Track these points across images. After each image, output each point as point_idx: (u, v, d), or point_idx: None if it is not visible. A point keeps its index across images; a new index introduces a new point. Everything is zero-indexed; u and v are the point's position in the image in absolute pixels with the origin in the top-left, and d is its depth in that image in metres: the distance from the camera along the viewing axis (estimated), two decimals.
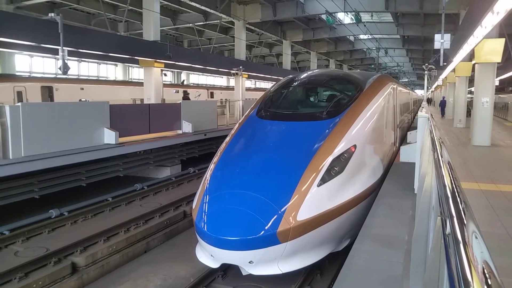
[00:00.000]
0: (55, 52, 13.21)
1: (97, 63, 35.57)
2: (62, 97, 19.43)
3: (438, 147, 2.95)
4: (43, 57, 29.56)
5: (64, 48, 12.45)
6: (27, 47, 14.34)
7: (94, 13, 25.96)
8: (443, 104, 28.60)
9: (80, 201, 9.81)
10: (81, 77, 32.63)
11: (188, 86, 34.24)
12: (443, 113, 28.01)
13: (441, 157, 2.44)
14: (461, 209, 1.24)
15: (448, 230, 1.13)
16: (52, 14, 12.30)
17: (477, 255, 0.90)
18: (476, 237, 1.02)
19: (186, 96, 24.49)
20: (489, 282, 0.77)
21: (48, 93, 19.33)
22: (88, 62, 34.21)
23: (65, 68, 12.78)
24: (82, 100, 19.90)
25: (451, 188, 1.52)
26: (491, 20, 7.88)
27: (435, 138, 3.74)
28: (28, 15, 18.08)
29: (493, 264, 0.87)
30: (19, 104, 9.14)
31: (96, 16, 26.18)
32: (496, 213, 5.56)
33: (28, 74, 28.26)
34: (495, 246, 4.32)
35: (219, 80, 53.64)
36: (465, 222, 1.12)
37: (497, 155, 10.97)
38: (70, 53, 13.57)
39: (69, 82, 21.62)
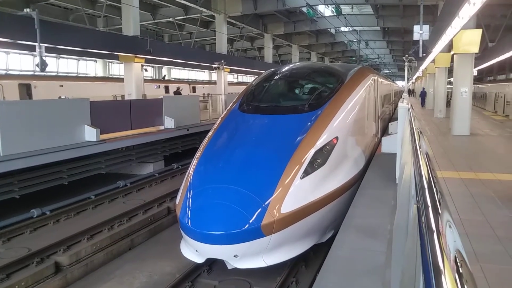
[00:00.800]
0: (32, 48, 12.94)
1: (76, 59, 34.98)
2: (40, 94, 19.08)
3: (416, 138, 2.99)
4: (20, 54, 28.94)
5: (41, 44, 12.20)
6: (3, 43, 14.01)
7: (71, 8, 25.47)
8: (423, 94, 29.73)
9: (62, 200, 9.68)
10: (60, 74, 32.07)
11: (169, 81, 33.96)
12: (423, 103, 29.04)
13: (419, 147, 2.48)
14: (437, 199, 1.27)
15: (423, 219, 1.15)
16: (28, 10, 12.02)
17: (450, 244, 0.92)
18: (450, 226, 1.05)
19: (178, 92, 24.73)
20: (461, 271, 0.79)
21: (26, 90, 18.96)
22: (67, 58, 33.61)
23: (43, 65, 12.54)
24: (62, 97, 19.59)
25: (427, 178, 1.55)
26: (468, 10, 8.01)
27: (414, 128, 3.79)
28: (2, 10, 17.68)
29: (465, 253, 0.89)
30: None
31: (74, 11, 25.70)
32: (475, 201, 5.68)
33: (5, 71, 27.66)
34: (474, 233, 4.41)
35: (201, 75, 53.34)
36: (440, 211, 1.14)
37: (476, 144, 11.19)
38: (48, 50, 13.31)
39: (47, 79, 21.25)
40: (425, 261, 0.89)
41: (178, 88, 27.20)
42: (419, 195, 1.45)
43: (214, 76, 35.87)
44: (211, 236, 4.97)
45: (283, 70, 8.75)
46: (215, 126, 7.11)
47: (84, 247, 7.21)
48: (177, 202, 5.84)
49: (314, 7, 23.93)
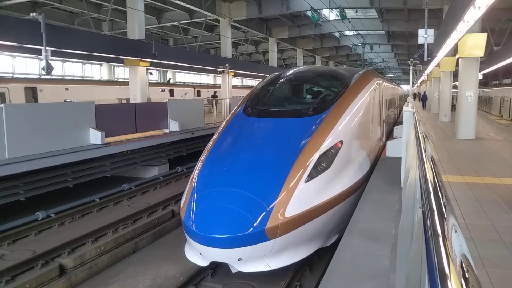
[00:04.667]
0: (38, 52, 13.03)
1: (82, 63, 35.17)
2: (46, 97, 19.19)
3: (421, 142, 2.98)
4: (26, 57, 29.12)
5: (47, 48, 12.29)
6: (9, 47, 14.12)
7: (77, 13, 25.63)
8: (424, 98, 34.34)
9: (67, 203, 9.72)
10: (66, 77, 32.24)
11: (174, 84, 34.07)
12: (424, 105, 33.55)
13: (424, 151, 2.47)
14: (442, 204, 1.26)
15: (428, 223, 1.15)
16: (34, 14, 12.10)
17: (456, 249, 0.92)
18: (456, 231, 1.04)
19: (214, 95, 25.65)
20: (467, 276, 0.78)
21: (32, 94, 19.07)
22: (72, 62, 33.79)
23: (48, 68, 12.62)
24: (67, 100, 19.69)
25: (432, 182, 1.55)
26: (473, 14, 7.98)
27: (419, 132, 3.78)
28: (9, 14, 17.81)
29: (471, 258, 0.88)
30: (2, 105, 9.00)
31: (80, 15, 25.85)
32: (480, 205, 5.65)
33: (11, 75, 27.83)
34: (479, 238, 4.39)
35: (206, 78, 53.48)
36: (445, 216, 1.14)
37: (481, 148, 11.13)
38: (54, 53, 13.39)
39: (53, 82, 21.36)
40: (431, 266, 0.89)
41: (215, 92, 27.91)
42: (424, 199, 1.45)
43: (219, 79, 35.99)
44: (215, 239, 4.96)
45: (288, 73, 8.75)
46: (220, 129, 7.11)
47: (89, 250, 7.22)
48: (181, 205, 5.84)
49: (318, 11, 23.92)
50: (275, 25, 31.96)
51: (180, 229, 6.59)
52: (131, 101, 17.58)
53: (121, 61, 18.58)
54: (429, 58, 15.61)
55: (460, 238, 0.99)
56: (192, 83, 44.81)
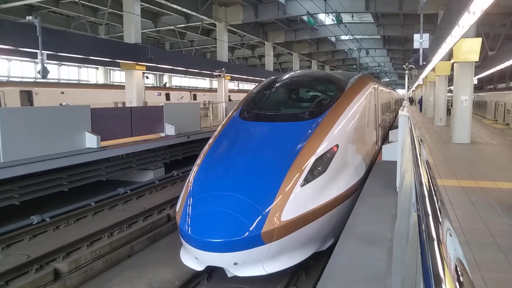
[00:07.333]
0: (34, 55, 12.98)
1: (78, 66, 35.09)
2: (42, 101, 19.12)
3: (417, 146, 2.99)
4: (21, 61, 29.04)
5: (43, 51, 12.24)
6: (5, 50, 14.06)
7: (73, 16, 25.59)
8: (421, 101, 36.06)
9: (62, 207, 9.67)
10: (62, 81, 32.14)
11: (170, 88, 34.06)
12: (421, 108, 34.33)
13: (419, 155, 2.48)
14: (437, 208, 1.27)
15: (423, 227, 1.15)
16: (30, 17, 12.07)
17: (451, 253, 0.92)
18: (451, 235, 1.05)
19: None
20: (461, 279, 0.79)
21: (27, 97, 19.00)
22: (68, 65, 33.70)
23: (44, 72, 12.56)
24: (63, 104, 19.63)
25: (428, 186, 1.55)
26: (468, 19, 8.03)
27: (414, 136, 3.79)
28: (5, 18, 17.77)
29: (466, 262, 0.89)
30: None
31: (76, 19, 25.81)
32: (475, 209, 5.67)
33: (6, 78, 27.73)
34: (474, 241, 4.40)
35: (202, 82, 53.50)
36: (440, 220, 1.14)
37: (476, 152, 11.18)
38: (50, 57, 13.35)
39: (49, 86, 21.30)
40: (426, 270, 0.89)
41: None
42: (419, 203, 1.45)
43: (215, 83, 35.97)
44: (211, 243, 4.95)
45: (284, 78, 8.77)
46: (216, 133, 7.11)
47: (84, 254, 7.19)
48: (177, 209, 5.83)
49: (314, 15, 23.99)
50: (271, 29, 32.03)
51: (176, 233, 6.59)
52: (127, 105, 17.53)
53: (117, 65, 18.56)
54: (424, 63, 15.70)
55: (455, 242, 1.00)
56: (189, 87, 44.75)
